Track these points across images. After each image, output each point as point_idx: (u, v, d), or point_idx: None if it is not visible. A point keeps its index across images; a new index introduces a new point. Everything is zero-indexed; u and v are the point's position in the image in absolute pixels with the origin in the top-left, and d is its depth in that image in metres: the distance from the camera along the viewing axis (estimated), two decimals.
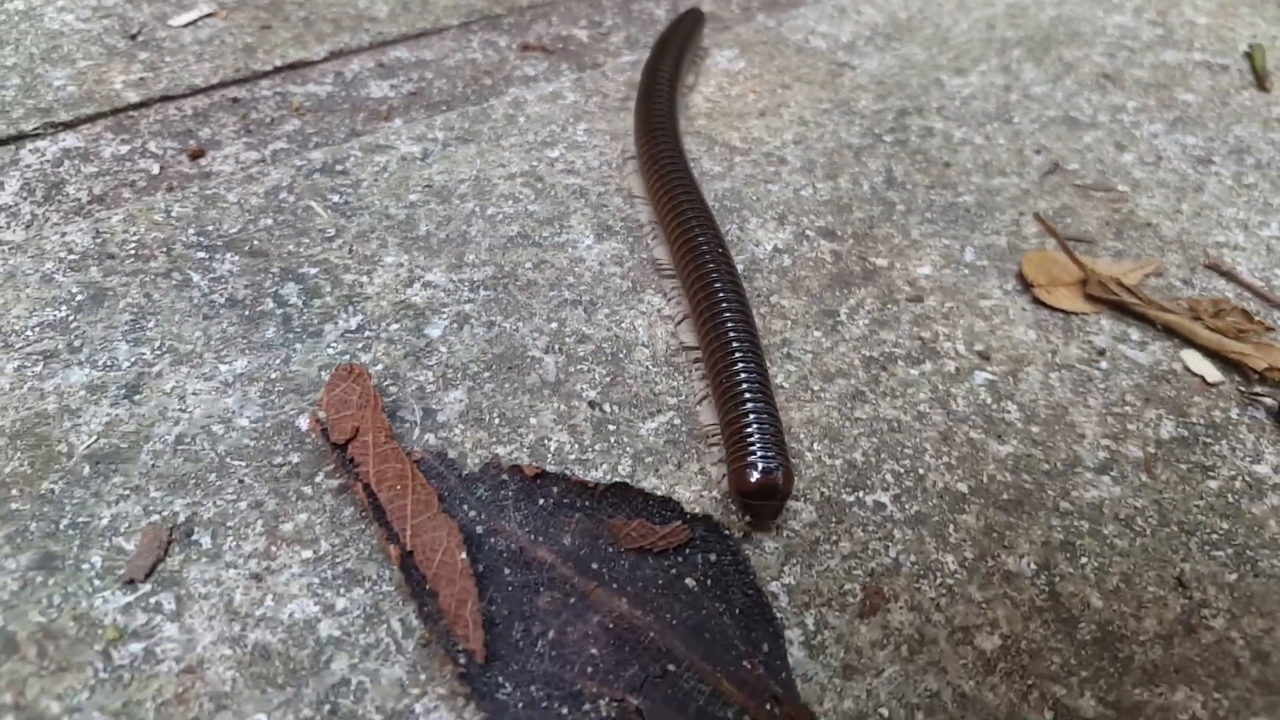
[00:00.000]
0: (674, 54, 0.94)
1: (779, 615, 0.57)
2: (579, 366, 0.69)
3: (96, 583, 0.54)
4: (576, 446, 0.64)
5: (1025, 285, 0.79)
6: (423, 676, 0.52)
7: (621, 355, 0.70)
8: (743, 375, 0.63)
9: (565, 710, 0.50)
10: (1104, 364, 0.74)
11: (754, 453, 0.59)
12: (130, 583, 0.54)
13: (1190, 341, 0.76)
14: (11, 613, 0.53)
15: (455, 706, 0.51)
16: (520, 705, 0.50)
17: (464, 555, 0.54)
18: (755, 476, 0.58)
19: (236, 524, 0.58)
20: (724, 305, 0.67)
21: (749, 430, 0.60)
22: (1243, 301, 0.80)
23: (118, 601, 0.54)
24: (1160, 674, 0.57)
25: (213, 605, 0.54)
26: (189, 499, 0.59)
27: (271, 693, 0.51)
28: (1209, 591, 0.61)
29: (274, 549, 0.57)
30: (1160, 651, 0.58)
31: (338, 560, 0.57)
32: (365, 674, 0.52)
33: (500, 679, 0.51)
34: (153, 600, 0.54)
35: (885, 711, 0.53)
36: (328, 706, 0.50)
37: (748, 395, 0.62)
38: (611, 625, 0.54)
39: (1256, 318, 0.78)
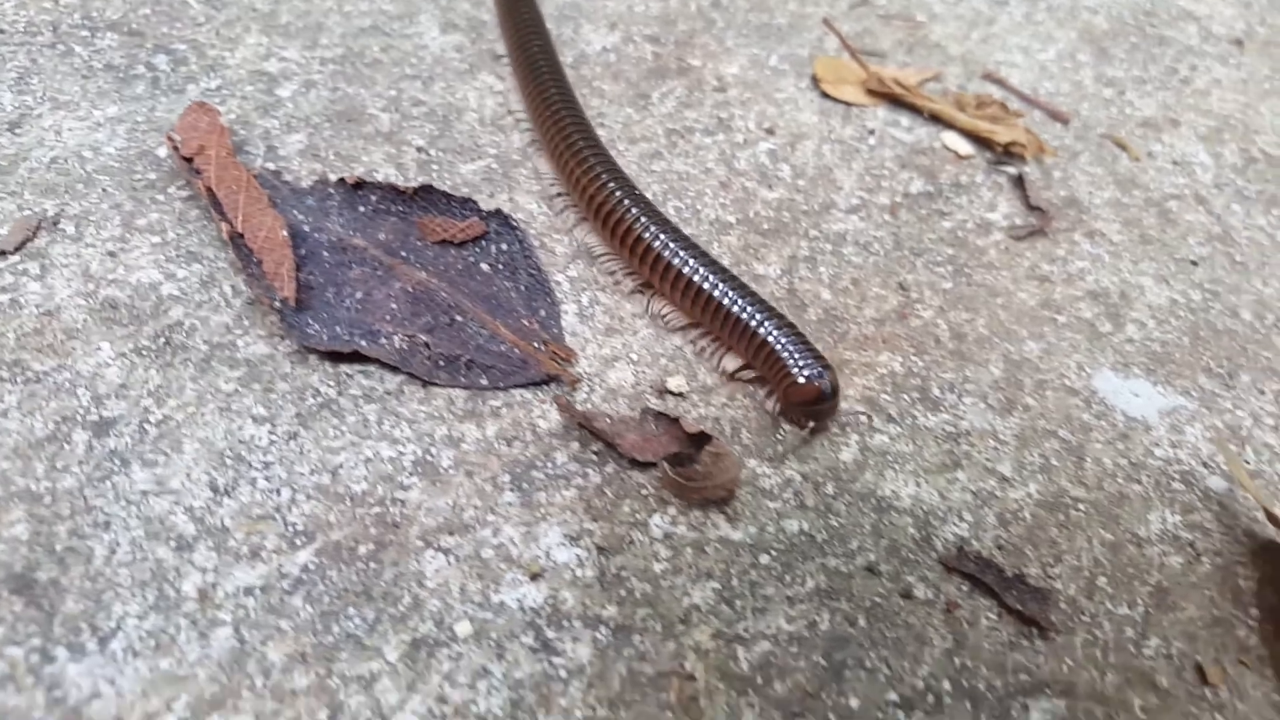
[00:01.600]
0: None
1: (559, 295, 0.68)
2: (412, 123, 0.80)
3: None
4: (401, 179, 0.75)
5: (815, 83, 0.91)
6: (245, 322, 0.63)
7: (452, 117, 0.81)
8: (740, 298, 0.64)
9: (364, 342, 0.62)
10: (872, 140, 0.86)
11: (797, 365, 0.61)
12: (1, 254, 0.65)
13: (951, 125, 0.88)
14: None
15: (271, 341, 0.62)
16: (326, 338, 0.61)
17: (285, 233, 0.65)
18: (807, 384, 0.61)
19: (98, 218, 0.68)
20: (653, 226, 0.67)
21: (782, 346, 0.62)
22: (1007, 100, 0.93)
23: None
24: (870, 343, 0.69)
25: (71, 271, 0.64)
26: (58, 201, 0.69)
27: (116, 329, 0.61)
28: (925, 294, 0.74)
29: (128, 236, 0.67)
30: (873, 329, 0.70)
31: (182, 245, 0.67)
32: (197, 319, 0.63)
33: (310, 321, 0.62)
34: (20, 267, 0.64)
35: (634, 357, 0.65)
36: (163, 339, 0.61)
37: (759, 315, 0.63)
38: (411, 289, 0.65)
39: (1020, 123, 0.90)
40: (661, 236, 0.66)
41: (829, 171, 0.82)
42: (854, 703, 0.51)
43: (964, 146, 0.87)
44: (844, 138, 0.86)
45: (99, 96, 0.77)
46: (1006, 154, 0.86)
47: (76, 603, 0.49)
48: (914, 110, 0.90)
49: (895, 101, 0.90)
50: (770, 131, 0.85)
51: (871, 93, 0.90)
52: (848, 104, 0.90)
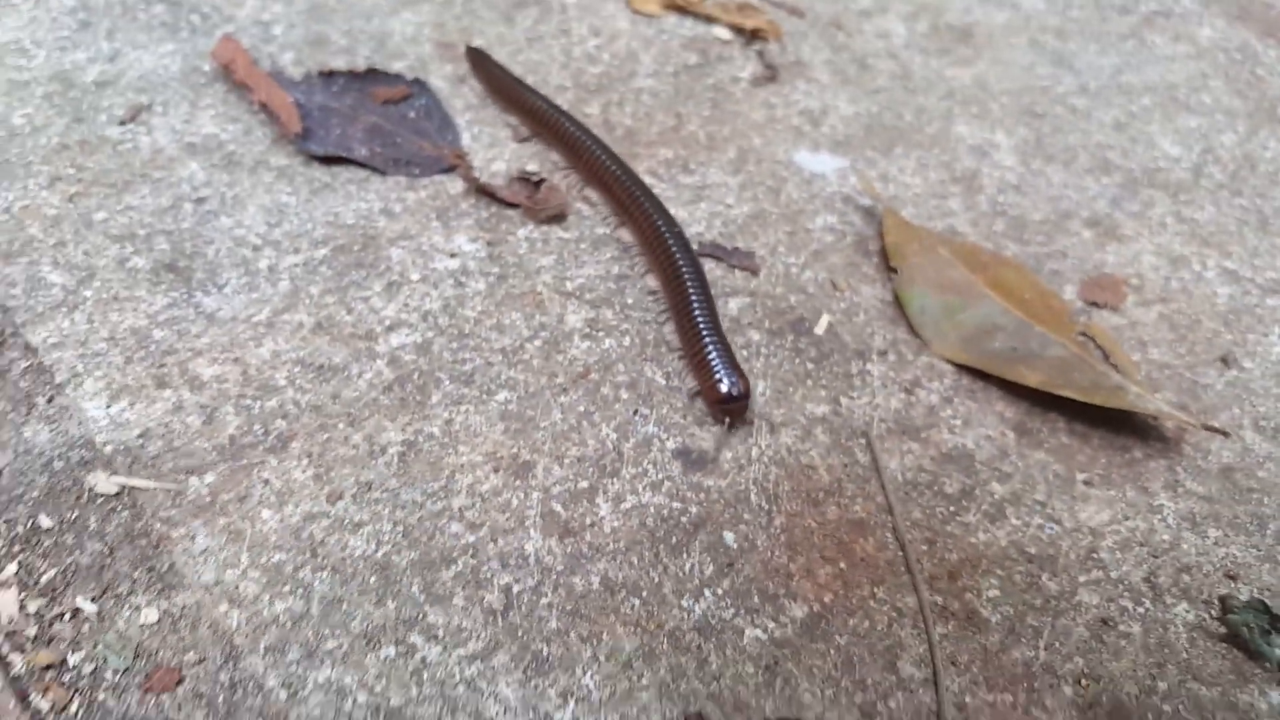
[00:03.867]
0: None
1: (460, 128, 1.12)
2: (359, 42, 1.23)
3: None
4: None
5: (627, 3, 1.36)
6: (274, 150, 1.06)
7: (385, 37, 1.24)
8: (697, 306, 0.88)
9: (344, 152, 1.05)
10: (664, 36, 1.31)
11: (719, 372, 0.81)
12: (120, 122, 1.07)
13: (718, 22, 1.33)
14: None
15: (289, 156, 1.05)
16: (321, 151, 1.05)
17: (290, 100, 1.08)
18: (725, 390, 0.80)
19: (174, 104, 1.10)
20: (674, 246, 0.93)
21: (711, 354, 0.83)
22: (761, 6, 1.38)
23: None
24: (654, 144, 1.13)
25: (165, 129, 1.07)
26: (149, 95, 1.11)
27: (199, 157, 1.04)
28: (692, 119, 1.18)
29: (194, 112, 1.10)
30: (656, 137, 1.14)
31: (229, 114, 1.10)
32: (244, 149, 1.06)
33: (311, 144, 1.06)
34: (132, 128, 1.07)
35: (506, 158, 1.09)
36: (226, 159, 1.04)
37: (702, 323, 0.86)
38: (368, 127, 1.09)
39: (766, 16, 1.35)
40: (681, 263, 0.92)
41: (635, 55, 1.27)
42: (630, 299, 0.95)
43: (726, 34, 1.31)
44: (645, 36, 1.31)
45: (159, 41, 1.20)
46: (754, 36, 1.31)
47: None
48: (694, 15, 1.35)
49: (682, 11, 1.35)
50: (595, 34, 1.30)
51: (666, 6, 1.35)
52: (649, 15, 1.34)
